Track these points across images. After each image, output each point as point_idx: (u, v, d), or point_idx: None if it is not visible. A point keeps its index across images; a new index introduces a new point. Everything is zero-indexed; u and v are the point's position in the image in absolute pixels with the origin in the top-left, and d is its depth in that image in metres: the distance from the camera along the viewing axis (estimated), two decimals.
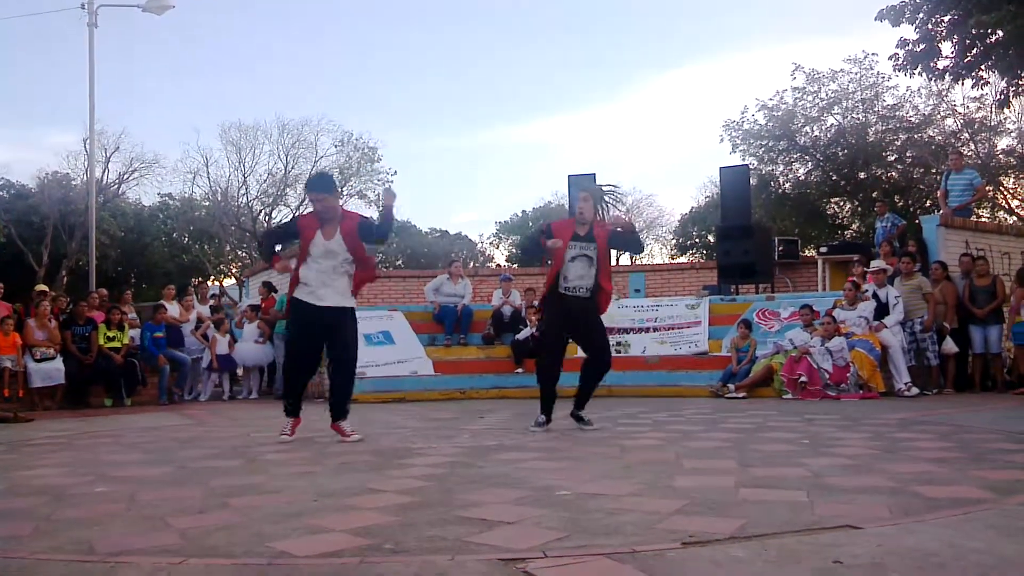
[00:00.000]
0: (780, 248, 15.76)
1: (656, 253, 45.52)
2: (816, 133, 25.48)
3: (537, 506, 3.18)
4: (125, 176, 31.81)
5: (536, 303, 6.40)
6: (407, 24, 61.88)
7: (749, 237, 12.92)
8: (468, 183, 67.88)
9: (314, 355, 6.01)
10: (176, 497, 3.61)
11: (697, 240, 38.46)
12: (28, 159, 61.07)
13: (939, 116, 24.65)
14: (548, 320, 6.35)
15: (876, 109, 24.70)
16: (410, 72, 63.24)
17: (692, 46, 67.46)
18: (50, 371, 10.45)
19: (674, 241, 42.51)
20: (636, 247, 6.60)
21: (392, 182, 34.35)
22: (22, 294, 14.69)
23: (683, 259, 36.87)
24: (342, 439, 5.73)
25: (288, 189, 33.30)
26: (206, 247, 33.96)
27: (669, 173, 69.68)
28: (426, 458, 4.75)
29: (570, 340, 6.42)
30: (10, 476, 4.41)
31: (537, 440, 5.58)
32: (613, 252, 6.82)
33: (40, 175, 29.92)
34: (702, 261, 24.38)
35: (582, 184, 6.17)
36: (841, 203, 27.31)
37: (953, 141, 23.90)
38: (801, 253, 17.29)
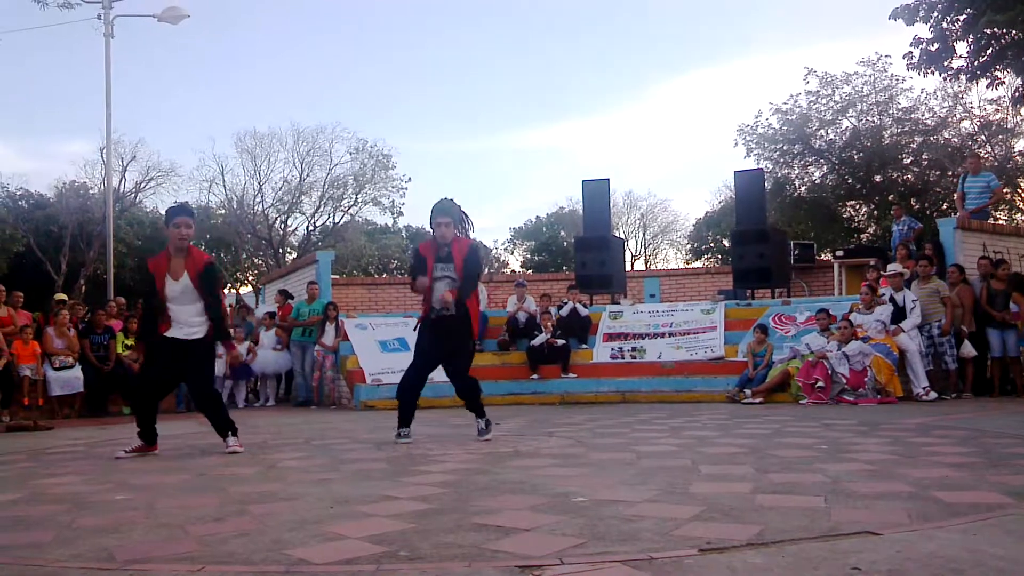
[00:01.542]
0: (796, 252, 15.71)
1: (671, 258, 45.49)
2: (831, 136, 25.39)
3: (553, 513, 3.18)
4: (142, 185, 32.09)
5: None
6: (420, 29, 62.12)
7: (764, 241, 12.88)
8: (482, 189, 68.01)
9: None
10: (194, 504, 3.63)
11: (712, 244, 38.38)
12: (46, 169, 61.87)
13: (955, 118, 24.53)
14: (418, 339, 6.39)
15: (891, 112, 24.59)
16: (423, 78, 63.51)
17: (704, 51, 67.51)
18: (69, 379, 10.54)
19: (689, 246, 42.44)
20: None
21: (406, 189, 34.39)
22: (41, 303, 14.81)
23: (698, 264, 36.84)
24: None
25: (303, 197, 33.46)
26: (222, 255, 34.15)
27: (684, 178, 69.73)
28: (442, 465, 4.76)
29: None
30: (30, 484, 4.45)
31: (553, 447, 5.58)
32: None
33: (58, 185, 30.26)
34: (717, 266, 24.28)
35: (444, 209, 6.15)
36: (857, 206, 27.17)
37: (970, 143, 23.77)
38: (817, 257, 17.25)
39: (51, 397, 10.42)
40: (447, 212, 6.14)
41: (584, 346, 12.14)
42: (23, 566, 2.54)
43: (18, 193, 29.83)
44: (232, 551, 2.67)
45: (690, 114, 69.63)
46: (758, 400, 9.76)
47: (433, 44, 63.75)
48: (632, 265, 40.18)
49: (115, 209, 22.74)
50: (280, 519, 3.21)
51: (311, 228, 34.93)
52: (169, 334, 5.75)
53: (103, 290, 19.19)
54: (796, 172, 26.36)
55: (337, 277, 17.91)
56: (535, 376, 11.24)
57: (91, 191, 29.39)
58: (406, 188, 35.06)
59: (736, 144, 26.10)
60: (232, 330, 6.08)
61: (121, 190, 30.10)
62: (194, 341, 5.75)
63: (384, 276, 31.67)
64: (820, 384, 9.42)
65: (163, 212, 29.90)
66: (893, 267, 10.64)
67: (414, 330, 6.41)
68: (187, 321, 5.76)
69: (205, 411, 5.99)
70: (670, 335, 11.96)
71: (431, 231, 6.25)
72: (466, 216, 6.33)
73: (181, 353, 5.76)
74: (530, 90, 68.41)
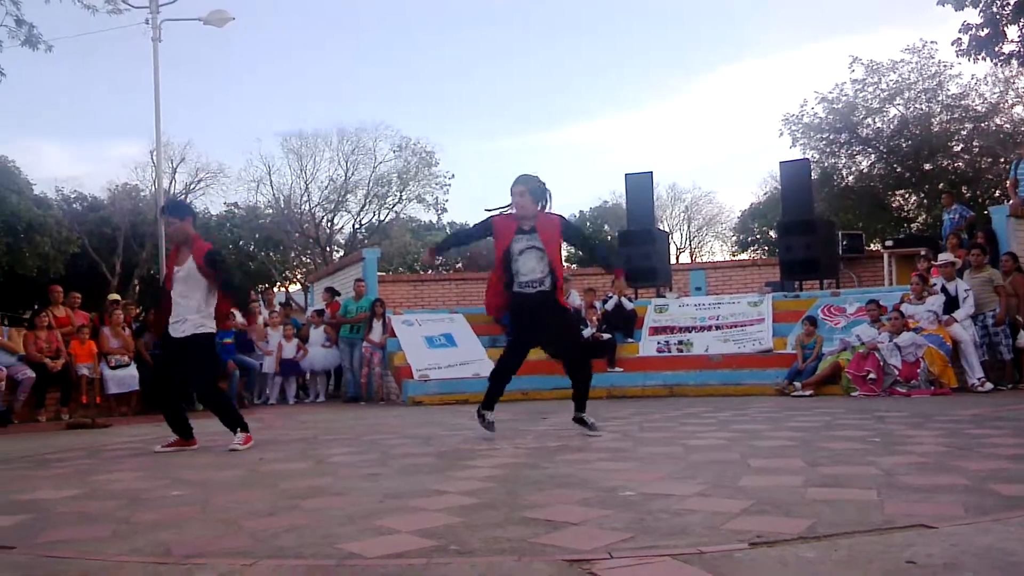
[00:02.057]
0: (844, 243, 15.48)
1: (716, 250, 45.07)
2: (878, 125, 24.95)
3: (602, 507, 3.18)
4: (191, 186, 32.67)
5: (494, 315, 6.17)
6: (459, 26, 62.26)
7: (812, 232, 12.71)
8: None
9: None
10: (247, 499, 3.70)
11: (758, 236, 37.97)
12: (99, 172, 63.31)
13: (1007, 104, 23.93)
14: (512, 324, 6.14)
15: (939, 98, 24.09)
16: (464, 75, 63.66)
17: (749, 41, 66.59)
18: (125, 378, 10.78)
19: (734, 238, 42.02)
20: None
21: (449, 185, 34.53)
22: (97, 303, 15.16)
23: (744, 256, 36.47)
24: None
25: (349, 195, 33.79)
26: (271, 254, 34.63)
27: (729, 169, 69.09)
28: (490, 459, 4.78)
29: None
30: (89, 480, 4.56)
31: (601, 441, 5.57)
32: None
33: (111, 187, 30.93)
34: (764, 258, 24.03)
35: (521, 179, 5.92)
36: (906, 195, 26.69)
37: (1022, 129, 23.17)
38: (866, 247, 16.98)
39: (108, 395, 10.68)
40: (522, 182, 5.86)
41: (630, 340, 12.09)
42: (85, 560, 2.60)
43: (72, 196, 30.58)
44: (284, 545, 2.72)
45: (735, 105, 68.93)
46: (808, 393, 9.65)
47: (473, 40, 63.92)
48: (677, 258, 39.89)
49: None
50: (331, 513, 3.26)
51: (357, 226, 35.31)
52: (168, 331, 5.91)
53: (156, 290, 19.55)
54: (843, 161, 25.96)
55: (383, 274, 18.05)
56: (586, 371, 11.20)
57: (142, 193, 30.02)
58: (449, 185, 35.27)
59: (782, 134, 25.80)
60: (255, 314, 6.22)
61: (171, 191, 30.65)
62: (185, 339, 5.82)
63: (430, 272, 31.86)
64: (872, 376, 9.28)
65: (212, 213, 30.19)
66: (944, 256, 10.41)
67: (498, 319, 6.24)
68: (183, 316, 5.84)
69: (208, 408, 6.12)
70: (717, 328, 11.87)
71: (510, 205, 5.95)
72: (548, 193, 5.96)
73: (177, 350, 5.88)
74: (572, 84, 68.23)
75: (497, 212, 5.99)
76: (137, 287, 28.45)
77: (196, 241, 6.01)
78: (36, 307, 15.77)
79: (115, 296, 14.19)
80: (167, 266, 6.13)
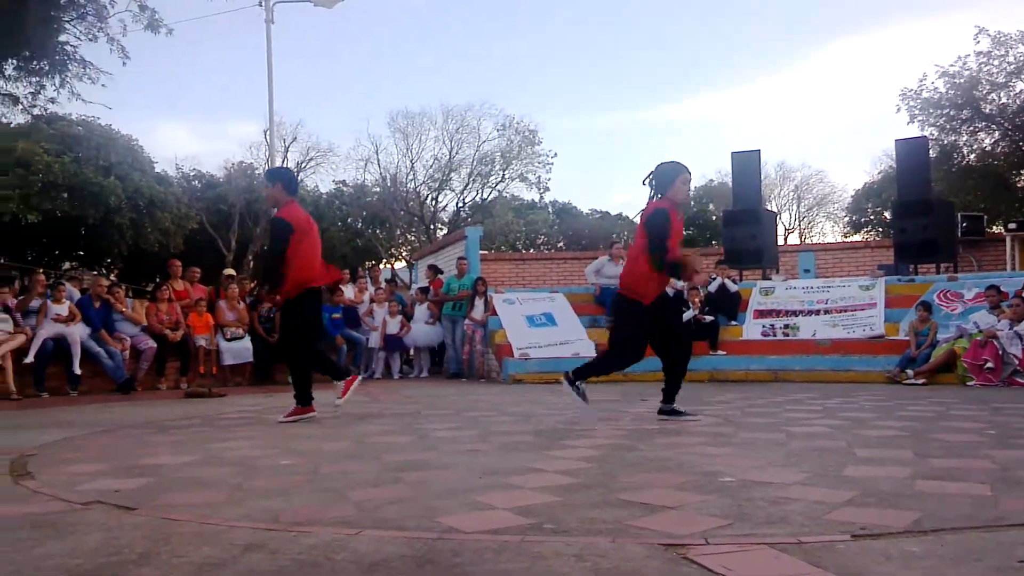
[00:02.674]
0: (963, 224, 14.83)
1: (827, 231, 43.71)
2: (1003, 100, 23.60)
3: (699, 492, 3.16)
4: (303, 164, 33.69)
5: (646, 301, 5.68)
6: (561, 3, 61.81)
7: (929, 213, 12.20)
8: (629, 163, 67.32)
9: None
10: (353, 471, 3.82)
11: (872, 217, 36.61)
12: (216, 150, 65.88)
13: None
14: (643, 319, 5.68)
15: None
16: (567, 53, 63.27)
17: (864, 11, 63.91)
18: (240, 350, 11.25)
19: (847, 218, 40.65)
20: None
21: (552, 164, 34.52)
22: (214, 278, 15.83)
23: (857, 237, 35.23)
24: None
25: (452, 174, 34.22)
26: (378, 231, 35.42)
27: (841, 147, 66.69)
28: (588, 440, 4.80)
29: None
30: (206, 448, 4.80)
31: (700, 425, 5.52)
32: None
33: (227, 165, 32.16)
34: (877, 239, 23.15)
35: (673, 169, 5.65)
36: None
37: None
38: (987, 230, 16.18)
39: (224, 366, 11.17)
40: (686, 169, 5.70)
41: (733, 323, 11.89)
42: (200, 524, 2.75)
43: (191, 174, 31.92)
44: (387, 517, 2.81)
45: (848, 79, 66.42)
46: (921, 381, 9.30)
47: (574, 17, 63.38)
48: (785, 239, 38.89)
49: None
50: (432, 487, 3.34)
51: (460, 204, 35.74)
52: None
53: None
54: (964, 139, 24.71)
55: (485, 252, 18.24)
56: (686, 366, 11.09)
57: (256, 171, 31.06)
58: (552, 164, 35.31)
59: (899, 110, 24.71)
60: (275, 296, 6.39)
61: (284, 167, 31.61)
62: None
63: (531, 252, 32.00)
64: (990, 365, 8.88)
65: (322, 191, 30.98)
66: None
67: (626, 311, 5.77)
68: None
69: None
70: (826, 312, 11.55)
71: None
72: (659, 180, 5.70)
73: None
74: (677, 59, 66.98)
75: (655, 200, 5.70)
76: (251, 262, 29.52)
77: (285, 207, 6.25)
78: (157, 281, 16.56)
79: (231, 271, 14.81)
80: None
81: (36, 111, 14.33)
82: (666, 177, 5.69)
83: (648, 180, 5.75)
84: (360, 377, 6.43)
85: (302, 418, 6.08)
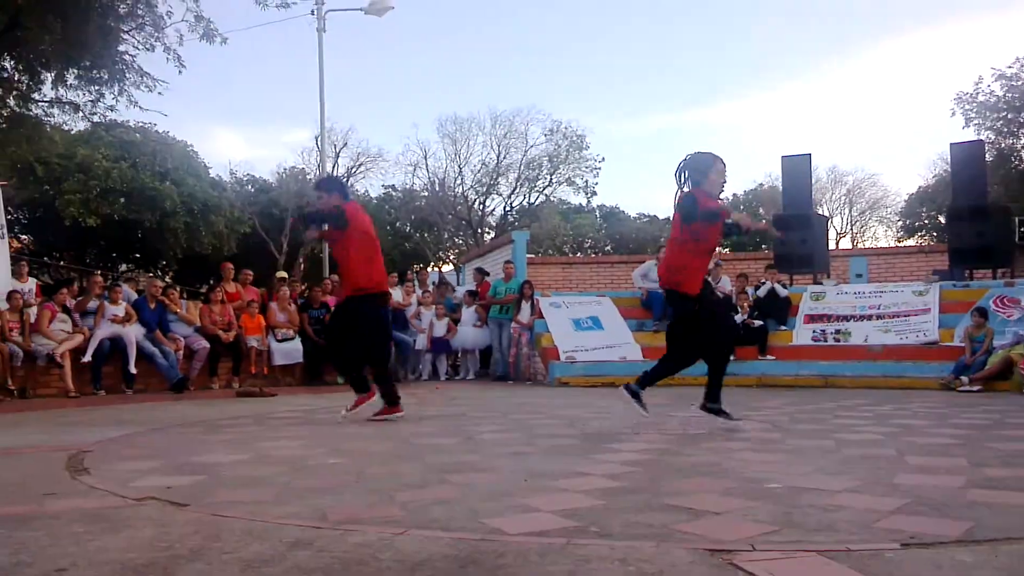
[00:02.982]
0: (1021, 229, 14.47)
1: (880, 236, 42.92)
2: None
3: (746, 498, 3.13)
4: (353, 169, 34.06)
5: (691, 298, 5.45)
6: (609, 7, 61.63)
7: (985, 218, 11.93)
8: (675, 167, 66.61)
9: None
10: (400, 471, 3.86)
11: (926, 221, 35.90)
12: (269, 156, 66.90)
13: None
14: (690, 310, 5.55)
15: None
16: (614, 56, 63.05)
17: (917, 10, 62.68)
18: (290, 351, 11.41)
19: (900, 223, 39.86)
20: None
21: (599, 168, 34.48)
22: (265, 280, 16.08)
23: (910, 242, 34.55)
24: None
25: (500, 178, 34.35)
26: (426, 235, 35.67)
27: (895, 150, 65.35)
28: (634, 444, 4.78)
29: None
30: (256, 446, 4.88)
31: (748, 430, 5.46)
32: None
33: (279, 170, 32.64)
34: (932, 244, 22.67)
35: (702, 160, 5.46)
36: None
37: None
38: None
39: (274, 366, 11.34)
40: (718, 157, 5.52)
41: (783, 327, 11.74)
42: (249, 521, 2.80)
43: (245, 179, 32.47)
44: (433, 517, 2.83)
45: (902, 81, 65.09)
46: (976, 388, 9.08)
47: (622, 20, 63.11)
48: (837, 243, 38.25)
49: None
50: (477, 489, 3.36)
51: (508, 208, 35.82)
52: None
53: (320, 268, 20.56)
54: (1022, 142, 24.09)
55: (532, 256, 18.25)
56: (731, 357, 10.97)
57: (308, 176, 31.49)
58: (599, 168, 35.30)
59: (953, 114, 24.23)
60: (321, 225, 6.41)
61: (334, 174, 32.00)
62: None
63: (578, 255, 31.95)
64: None
65: (372, 195, 31.44)
66: None
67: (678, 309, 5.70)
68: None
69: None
70: (878, 317, 11.34)
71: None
72: (689, 171, 5.54)
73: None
74: (726, 60, 66.28)
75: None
76: (302, 265, 29.90)
77: (349, 207, 6.30)
78: (211, 283, 16.89)
79: (282, 274, 15.03)
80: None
81: (96, 118, 14.70)
82: (700, 168, 5.48)
83: (680, 172, 5.54)
84: (374, 399, 6.24)
85: (389, 418, 6.16)
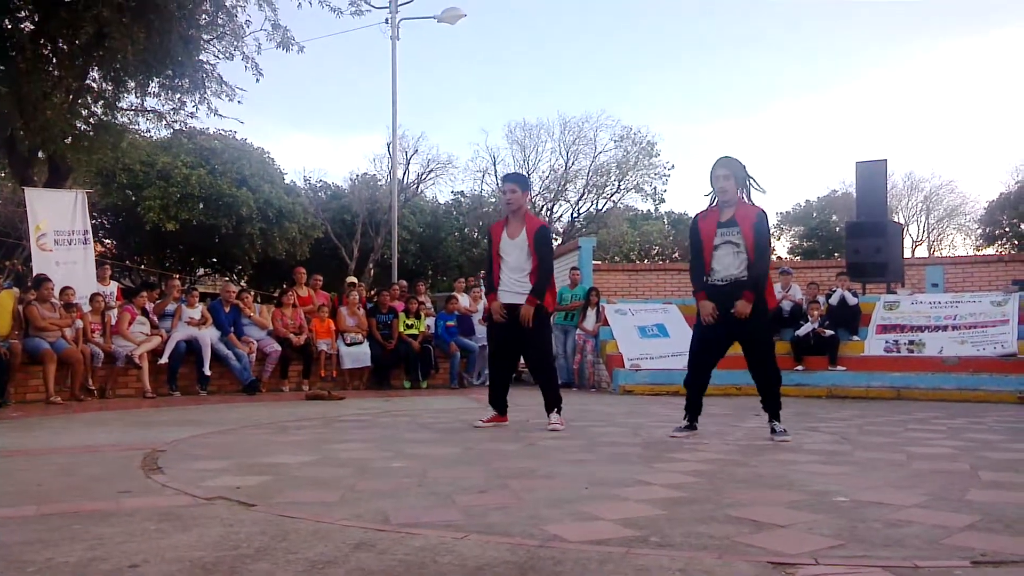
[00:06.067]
0: None
1: (958, 244, 41.65)
2: None
3: (811, 511, 3.08)
4: (423, 176, 34.43)
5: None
6: (680, 10, 61.11)
7: None
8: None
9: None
10: (462, 476, 3.90)
11: (1007, 229, 34.71)
12: (341, 162, 68.08)
13: None
14: (697, 322, 5.61)
15: None
16: (685, 59, 62.47)
17: (998, 7, 60.60)
18: (358, 355, 11.60)
19: (979, 231, 38.62)
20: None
21: (668, 175, 34.22)
22: (336, 285, 16.38)
23: (990, 250, 33.46)
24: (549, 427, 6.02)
25: (568, 184, 34.35)
26: None
27: (974, 156, 63.35)
28: (698, 454, 4.74)
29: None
30: (323, 448, 4.98)
31: (816, 442, 5.36)
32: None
33: (351, 176, 33.20)
34: (1012, 253, 21.90)
35: (723, 162, 5.38)
36: None
37: None
38: None
39: (343, 370, 11.54)
40: (725, 165, 5.38)
41: (854, 337, 11.48)
42: (314, 522, 2.87)
43: (318, 185, 33.10)
44: (493, 522, 2.86)
45: (984, 82, 63.04)
46: None
47: (692, 24, 62.53)
48: (913, 252, 37.25)
49: (399, 199, 24.57)
50: (538, 495, 3.37)
51: (575, 215, 35.77)
52: (499, 300, 6.11)
53: (389, 274, 20.85)
54: None
55: (599, 263, 18.20)
56: (799, 367, 10.80)
57: (379, 182, 31.94)
58: (668, 175, 35.04)
59: None
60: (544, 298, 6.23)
61: (405, 181, 32.42)
62: (513, 306, 6.03)
63: (645, 262, 31.73)
64: None
65: (440, 201, 31.77)
66: None
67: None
68: (513, 288, 6.07)
69: (537, 381, 6.35)
70: (954, 328, 11.01)
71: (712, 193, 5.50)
72: (752, 179, 5.49)
73: (510, 320, 6.04)
74: (801, 60, 65.10)
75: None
76: (372, 271, 30.33)
77: (529, 215, 6.26)
78: (283, 287, 17.26)
79: (352, 279, 15.28)
80: (495, 231, 6.26)
81: (177, 126, 15.18)
82: (743, 175, 5.45)
83: (747, 176, 5.47)
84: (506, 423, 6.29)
85: (498, 425, 6.22)
